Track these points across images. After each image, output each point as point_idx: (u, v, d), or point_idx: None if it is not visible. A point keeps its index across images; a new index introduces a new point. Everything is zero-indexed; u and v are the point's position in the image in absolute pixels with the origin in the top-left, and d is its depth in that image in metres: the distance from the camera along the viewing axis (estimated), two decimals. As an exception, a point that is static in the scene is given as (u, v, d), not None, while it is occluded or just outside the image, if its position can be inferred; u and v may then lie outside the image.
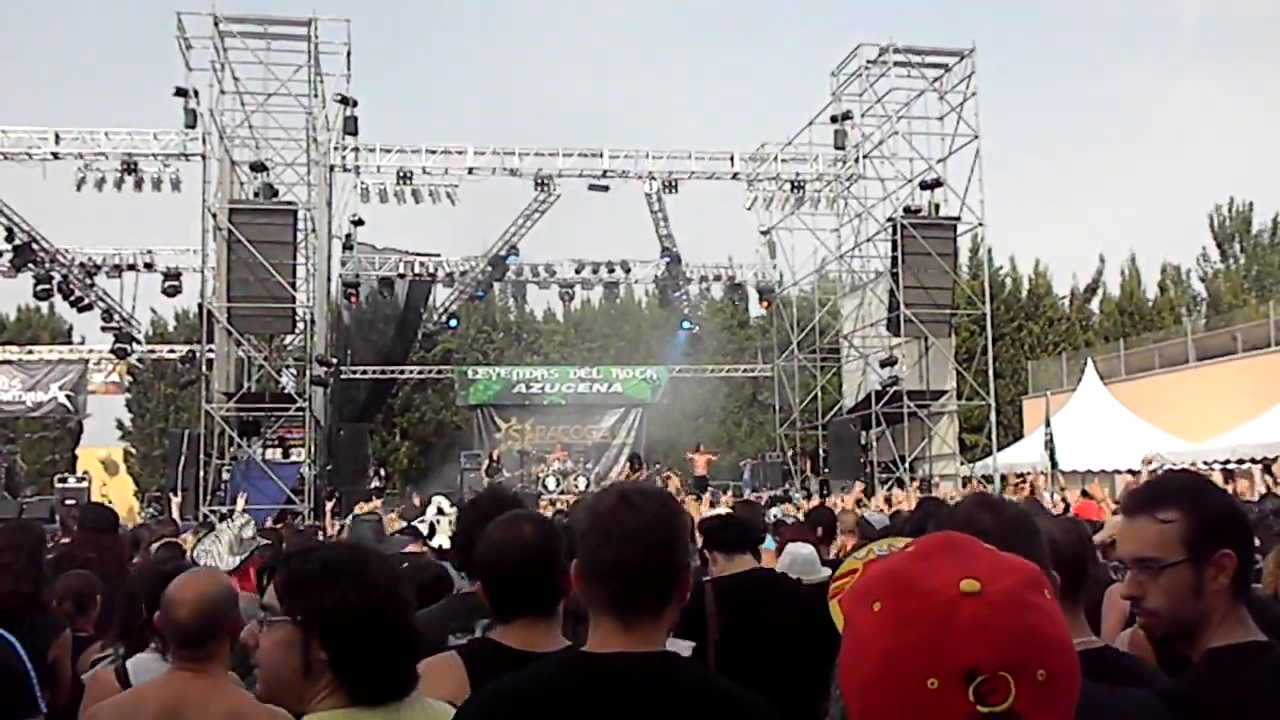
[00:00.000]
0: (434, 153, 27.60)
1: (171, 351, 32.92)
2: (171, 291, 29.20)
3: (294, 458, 24.45)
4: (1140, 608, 2.16)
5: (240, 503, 16.77)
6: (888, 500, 14.63)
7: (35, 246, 26.93)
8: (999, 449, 26.31)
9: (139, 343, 31.42)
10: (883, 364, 26.04)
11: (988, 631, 1.07)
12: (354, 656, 2.24)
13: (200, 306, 25.38)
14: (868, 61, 26.48)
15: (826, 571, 6.21)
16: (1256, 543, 2.71)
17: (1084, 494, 14.37)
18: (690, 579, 2.12)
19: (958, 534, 1.22)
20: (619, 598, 2.02)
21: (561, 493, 24.78)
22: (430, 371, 35.92)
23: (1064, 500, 13.95)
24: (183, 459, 22.57)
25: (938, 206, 26.29)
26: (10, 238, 26.48)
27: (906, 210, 26.00)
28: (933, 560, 1.14)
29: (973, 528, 1.90)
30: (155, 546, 7.15)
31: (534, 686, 2.01)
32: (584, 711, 1.93)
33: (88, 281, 28.91)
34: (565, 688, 1.97)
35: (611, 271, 31.92)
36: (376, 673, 2.25)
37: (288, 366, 27.20)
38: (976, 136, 25.58)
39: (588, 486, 25.94)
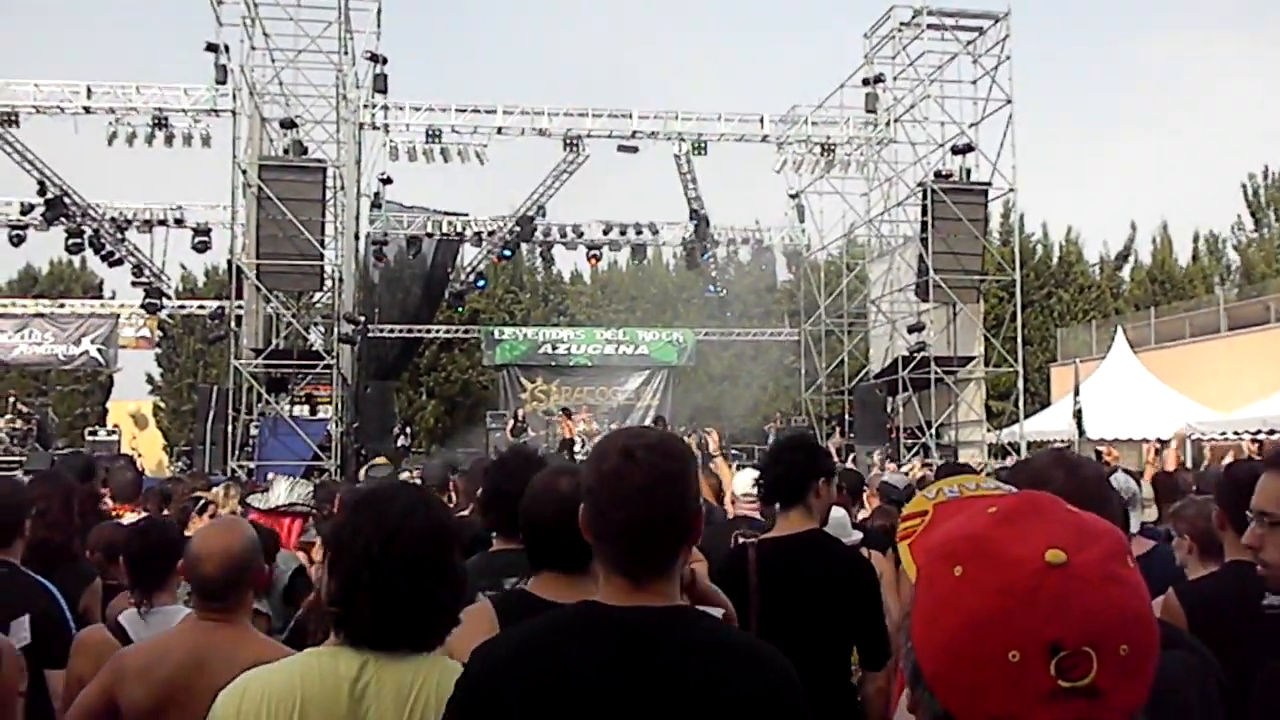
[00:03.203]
0: (463, 111, 27.47)
1: (201, 307, 33.09)
2: (201, 247, 29.33)
3: (321, 415, 24.58)
4: (1258, 557, 2.19)
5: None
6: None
7: (67, 200, 27.09)
8: (1026, 416, 26.18)
9: (169, 298, 31.60)
10: (910, 329, 25.91)
11: (1073, 606, 1.05)
12: (345, 593, 2.24)
13: (229, 263, 25.46)
14: (901, 24, 26.23)
15: (858, 535, 6.21)
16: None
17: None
18: (701, 521, 2.06)
19: (1041, 495, 1.19)
20: (630, 557, 1.97)
21: (587, 454, 24.80)
22: (457, 331, 35.96)
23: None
24: (211, 414, 22.74)
25: (969, 171, 26.03)
26: (42, 191, 26.67)
27: (937, 175, 25.78)
28: (1017, 525, 1.11)
29: (1046, 486, 1.86)
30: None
31: (550, 635, 1.97)
32: (601, 662, 1.90)
33: (119, 236, 29.07)
34: (583, 638, 1.94)
35: (639, 233, 31.83)
36: (365, 615, 2.23)
37: (316, 324, 27.29)
38: (1009, 101, 25.30)
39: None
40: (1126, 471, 6.40)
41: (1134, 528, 4.88)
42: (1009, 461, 17.90)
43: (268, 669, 2.31)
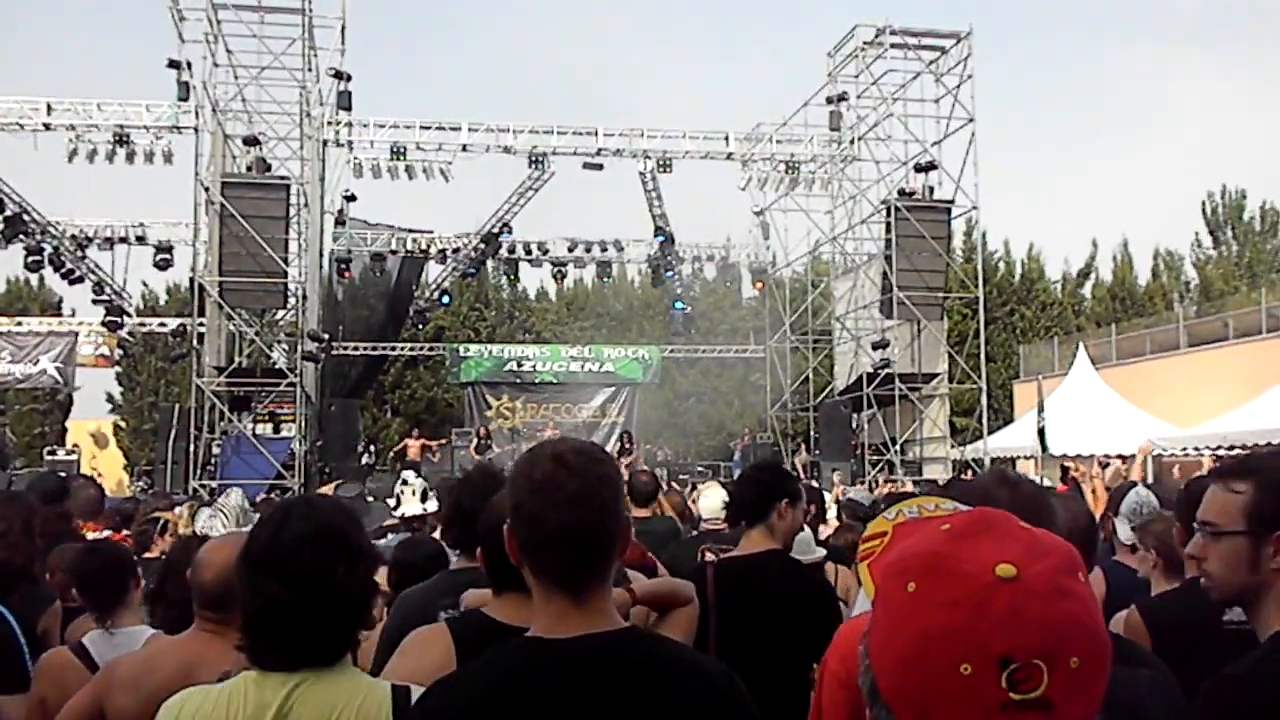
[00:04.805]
0: (428, 128, 27.44)
1: (162, 325, 32.80)
2: (163, 265, 29.10)
3: (285, 433, 24.39)
4: (1201, 569, 2.21)
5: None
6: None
7: (26, 218, 26.81)
8: (989, 432, 26.34)
9: (130, 316, 31.32)
10: (875, 346, 26.04)
11: (1023, 619, 1.06)
12: (243, 610, 2.27)
13: (191, 280, 25.27)
14: (864, 43, 26.42)
15: (821, 552, 6.24)
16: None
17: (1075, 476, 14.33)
18: (630, 530, 2.05)
19: (994, 512, 1.20)
20: (571, 568, 1.93)
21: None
22: (422, 348, 35.85)
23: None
24: (173, 433, 22.51)
25: (932, 189, 26.23)
26: (1, 208, 26.36)
27: (901, 193, 25.97)
28: (969, 541, 1.13)
29: (989, 503, 1.88)
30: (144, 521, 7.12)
31: (508, 684, 1.89)
32: (556, 704, 1.85)
33: (79, 254, 28.81)
34: (535, 681, 1.88)
35: (604, 250, 31.87)
36: (253, 634, 2.25)
37: (279, 342, 27.12)
38: (972, 120, 25.52)
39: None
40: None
41: (1127, 539, 4.91)
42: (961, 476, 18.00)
43: (209, 687, 2.31)
